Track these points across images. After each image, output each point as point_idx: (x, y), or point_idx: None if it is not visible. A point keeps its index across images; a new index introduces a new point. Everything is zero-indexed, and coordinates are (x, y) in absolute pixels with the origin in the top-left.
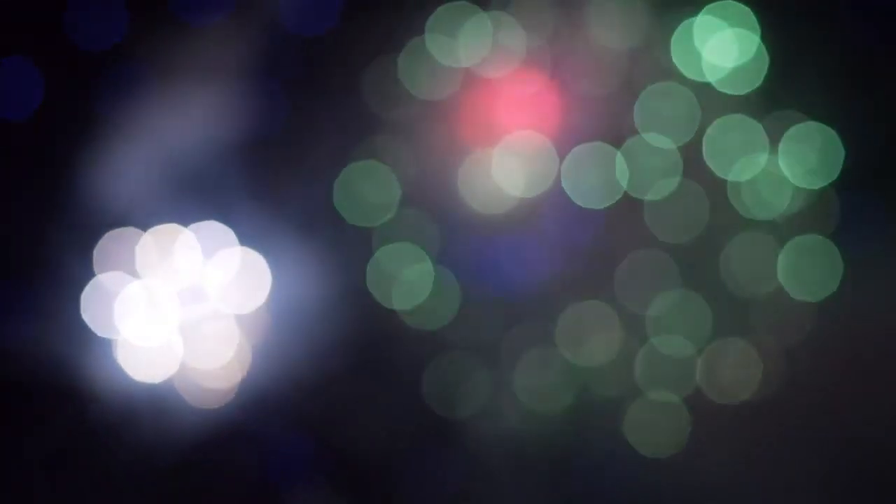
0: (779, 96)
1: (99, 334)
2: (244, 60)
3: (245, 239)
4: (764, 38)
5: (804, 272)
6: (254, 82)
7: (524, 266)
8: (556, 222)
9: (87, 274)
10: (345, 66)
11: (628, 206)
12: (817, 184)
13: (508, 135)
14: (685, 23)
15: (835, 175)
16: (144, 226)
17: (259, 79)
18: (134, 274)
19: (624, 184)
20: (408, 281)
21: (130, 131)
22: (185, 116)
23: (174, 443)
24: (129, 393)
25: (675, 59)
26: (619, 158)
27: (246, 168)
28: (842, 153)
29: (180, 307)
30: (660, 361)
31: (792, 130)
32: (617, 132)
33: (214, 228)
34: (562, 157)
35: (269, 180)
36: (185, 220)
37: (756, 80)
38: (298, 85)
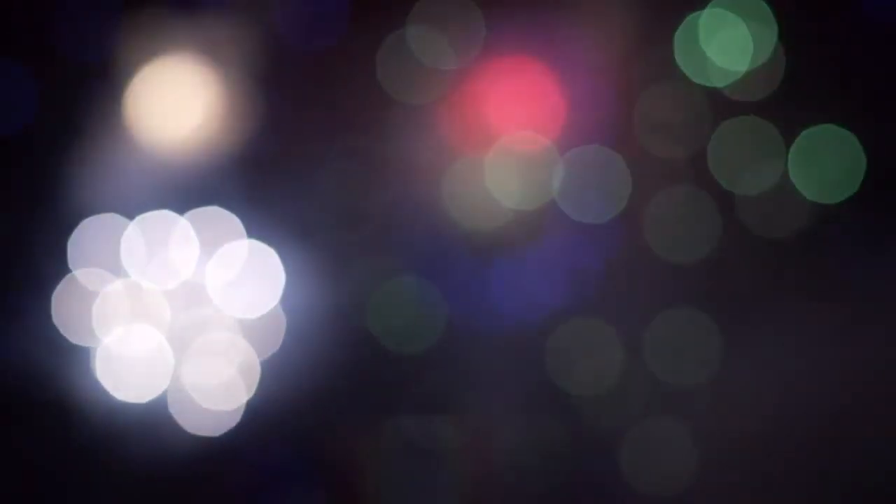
0: (793, 97)
1: (74, 342)
2: (231, 64)
3: (253, 230)
4: (781, 35)
5: (819, 294)
6: (241, 86)
7: (517, 285)
8: (553, 237)
9: (61, 269)
10: (325, 66)
11: (628, 221)
12: (835, 198)
13: (501, 140)
14: (690, 18)
15: (855, 188)
16: (130, 213)
17: (245, 83)
18: (117, 270)
19: (624, 197)
20: (387, 300)
21: (113, 124)
22: (172, 117)
23: (163, 473)
24: (110, 414)
25: (678, 61)
26: (619, 170)
27: (232, 172)
28: (863, 163)
29: (173, 310)
30: (663, 389)
31: (805, 136)
32: (616, 141)
33: (215, 217)
34: (557, 167)
35: (255, 185)
36: (180, 207)
37: (771, 86)
38: (281, 89)
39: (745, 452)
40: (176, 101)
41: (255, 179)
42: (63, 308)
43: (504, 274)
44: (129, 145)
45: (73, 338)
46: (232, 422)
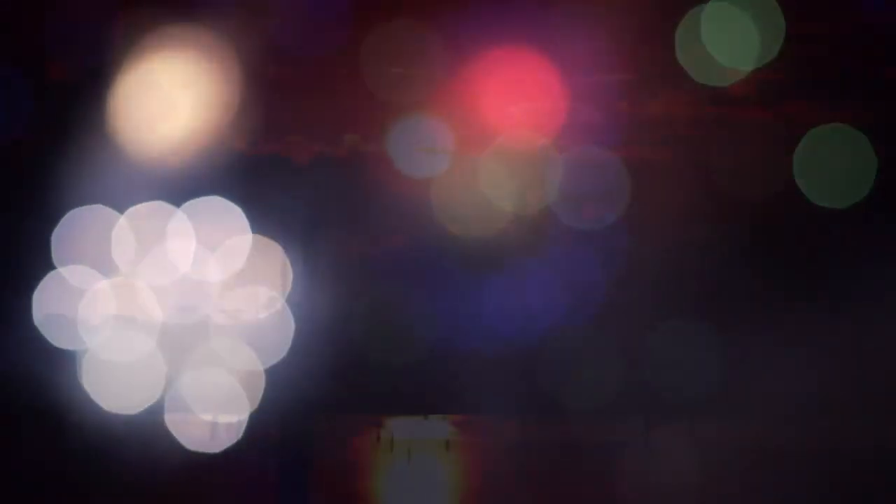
0: (799, 96)
1: (57, 346)
2: (231, 64)
3: (257, 224)
4: (788, 31)
5: (826, 302)
6: (241, 86)
7: (514, 293)
8: (551, 244)
9: (44, 266)
10: (324, 67)
11: (628, 226)
12: (843, 203)
13: (499, 141)
14: (692, 13)
15: (864, 192)
16: (120, 205)
17: (245, 83)
18: (106, 268)
19: (623, 201)
20: (373, 309)
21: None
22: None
23: (155, 490)
24: (97, 425)
25: (680, 60)
26: (619, 173)
27: (229, 171)
28: (874, 165)
29: (168, 311)
30: (665, 397)
31: (812, 136)
32: (616, 142)
33: (215, 209)
34: (556, 168)
35: (251, 185)
36: (177, 199)
37: (776, 85)
38: (281, 89)
39: (746, 459)
40: (174, 100)
41: (252, 179)
42: (46, 309)
43: (501, 281)
44: (125, 143)
45: (57, 341)
46: (232, 437)
